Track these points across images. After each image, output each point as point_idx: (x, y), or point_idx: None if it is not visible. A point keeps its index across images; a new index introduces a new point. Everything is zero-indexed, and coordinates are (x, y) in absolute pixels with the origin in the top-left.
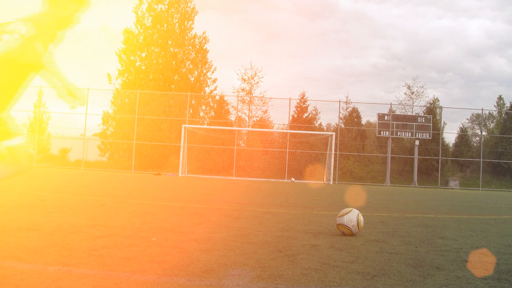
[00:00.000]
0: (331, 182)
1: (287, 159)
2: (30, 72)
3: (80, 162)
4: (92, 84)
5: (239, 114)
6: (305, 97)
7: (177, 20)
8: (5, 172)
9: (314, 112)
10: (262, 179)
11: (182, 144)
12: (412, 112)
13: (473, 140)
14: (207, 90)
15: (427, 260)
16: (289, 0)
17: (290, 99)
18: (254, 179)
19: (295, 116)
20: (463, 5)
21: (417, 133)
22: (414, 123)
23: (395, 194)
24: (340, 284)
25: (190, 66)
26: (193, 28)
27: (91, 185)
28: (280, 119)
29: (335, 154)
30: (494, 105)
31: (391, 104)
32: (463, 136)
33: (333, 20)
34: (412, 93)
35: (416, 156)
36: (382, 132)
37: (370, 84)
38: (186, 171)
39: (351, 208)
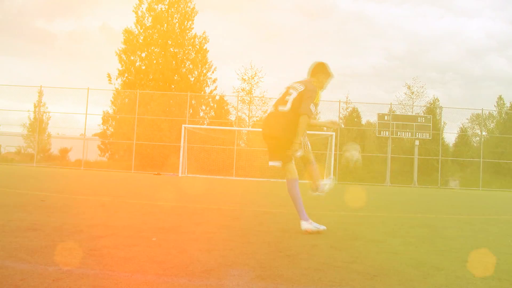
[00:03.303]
0: None
1: None
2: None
3: (80, 162)
4: (92, 84)
5: (239, 114)
6: None
7: (177, 20)
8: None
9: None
10: (262, 179)
11: (182, 144)
12: (412, 112)
13: (473, 140)
14: (207, 90)
15: (427, 260)
16: (289, 0)
17: None
18: (254, 179)
19: None
20: (463, 5)
21: (417, 133)
22: (414, 123)
23: (395, 194)
24: (340, 284)
25: (190, 66)
26: (193, 28)
27: (91, 185)
28: None
29: (335, 154)
30: (494, 105)
31: (391, 104)
32: (463, 136)
33: (332, 20)
34: (412, 93)
35: (416, 156)
36: (382, 132)
37: (370, 84)
38: (186, 171)
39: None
